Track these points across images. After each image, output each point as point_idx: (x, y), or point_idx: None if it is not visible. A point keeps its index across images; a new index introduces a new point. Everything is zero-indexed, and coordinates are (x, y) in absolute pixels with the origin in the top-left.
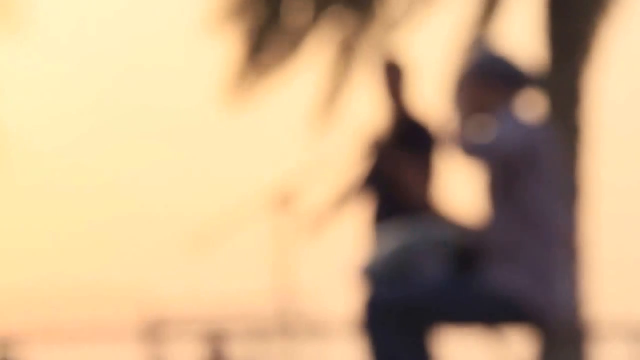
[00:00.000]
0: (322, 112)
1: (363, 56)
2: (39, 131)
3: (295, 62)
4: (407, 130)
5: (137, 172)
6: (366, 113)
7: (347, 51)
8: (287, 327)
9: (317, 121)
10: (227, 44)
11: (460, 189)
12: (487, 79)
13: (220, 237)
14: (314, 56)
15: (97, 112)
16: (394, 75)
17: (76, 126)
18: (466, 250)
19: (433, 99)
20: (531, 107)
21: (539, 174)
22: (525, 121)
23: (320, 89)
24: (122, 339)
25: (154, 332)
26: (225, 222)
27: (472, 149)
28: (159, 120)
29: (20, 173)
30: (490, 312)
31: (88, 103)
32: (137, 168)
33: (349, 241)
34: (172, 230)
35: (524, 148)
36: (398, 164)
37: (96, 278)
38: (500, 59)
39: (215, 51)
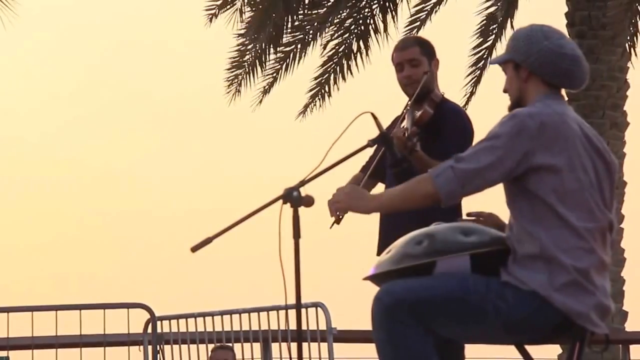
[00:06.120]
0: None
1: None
2: (23, 117)
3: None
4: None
5: (130, 163)
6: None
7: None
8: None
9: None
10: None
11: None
12: None
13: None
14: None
15: (85, 98)
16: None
17: (63, 113)
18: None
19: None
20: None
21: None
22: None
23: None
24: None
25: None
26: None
27: None
28: (156, 107)
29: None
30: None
31: (74, 88)
32: (131, 159)
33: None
34: (171, 229)
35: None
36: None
37: (86, 275)
38: None
39: (220, 35)
